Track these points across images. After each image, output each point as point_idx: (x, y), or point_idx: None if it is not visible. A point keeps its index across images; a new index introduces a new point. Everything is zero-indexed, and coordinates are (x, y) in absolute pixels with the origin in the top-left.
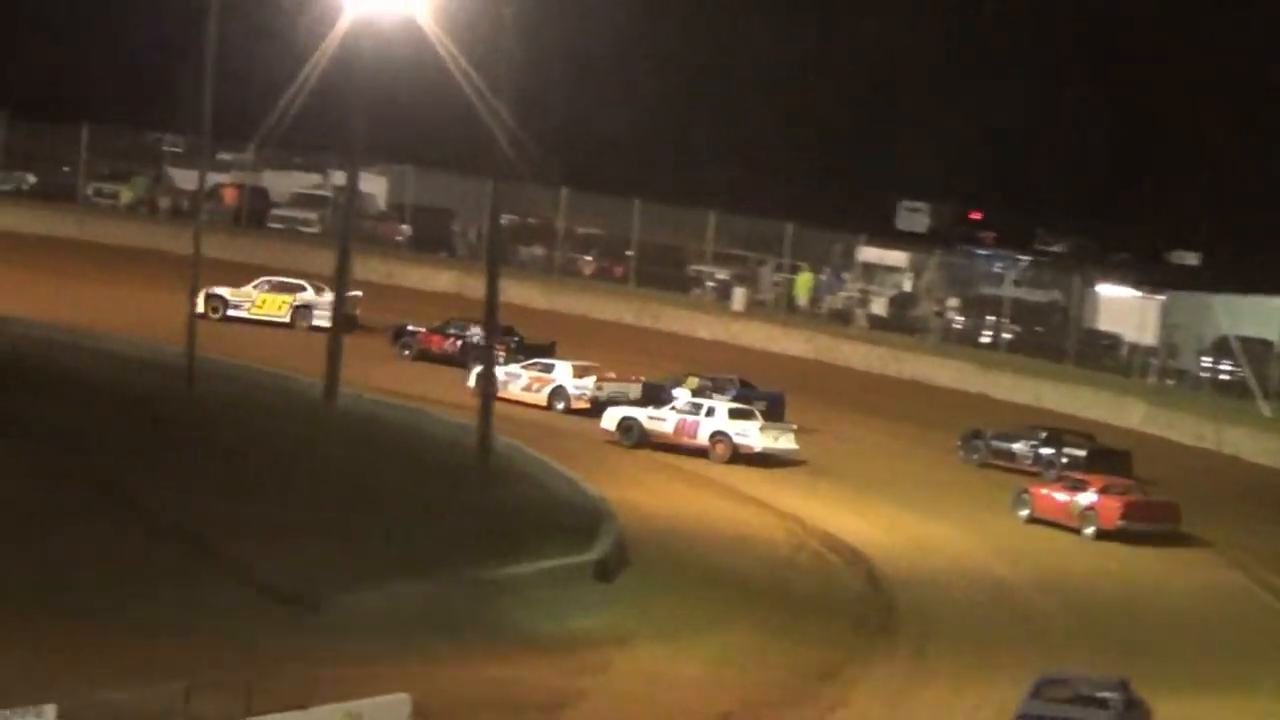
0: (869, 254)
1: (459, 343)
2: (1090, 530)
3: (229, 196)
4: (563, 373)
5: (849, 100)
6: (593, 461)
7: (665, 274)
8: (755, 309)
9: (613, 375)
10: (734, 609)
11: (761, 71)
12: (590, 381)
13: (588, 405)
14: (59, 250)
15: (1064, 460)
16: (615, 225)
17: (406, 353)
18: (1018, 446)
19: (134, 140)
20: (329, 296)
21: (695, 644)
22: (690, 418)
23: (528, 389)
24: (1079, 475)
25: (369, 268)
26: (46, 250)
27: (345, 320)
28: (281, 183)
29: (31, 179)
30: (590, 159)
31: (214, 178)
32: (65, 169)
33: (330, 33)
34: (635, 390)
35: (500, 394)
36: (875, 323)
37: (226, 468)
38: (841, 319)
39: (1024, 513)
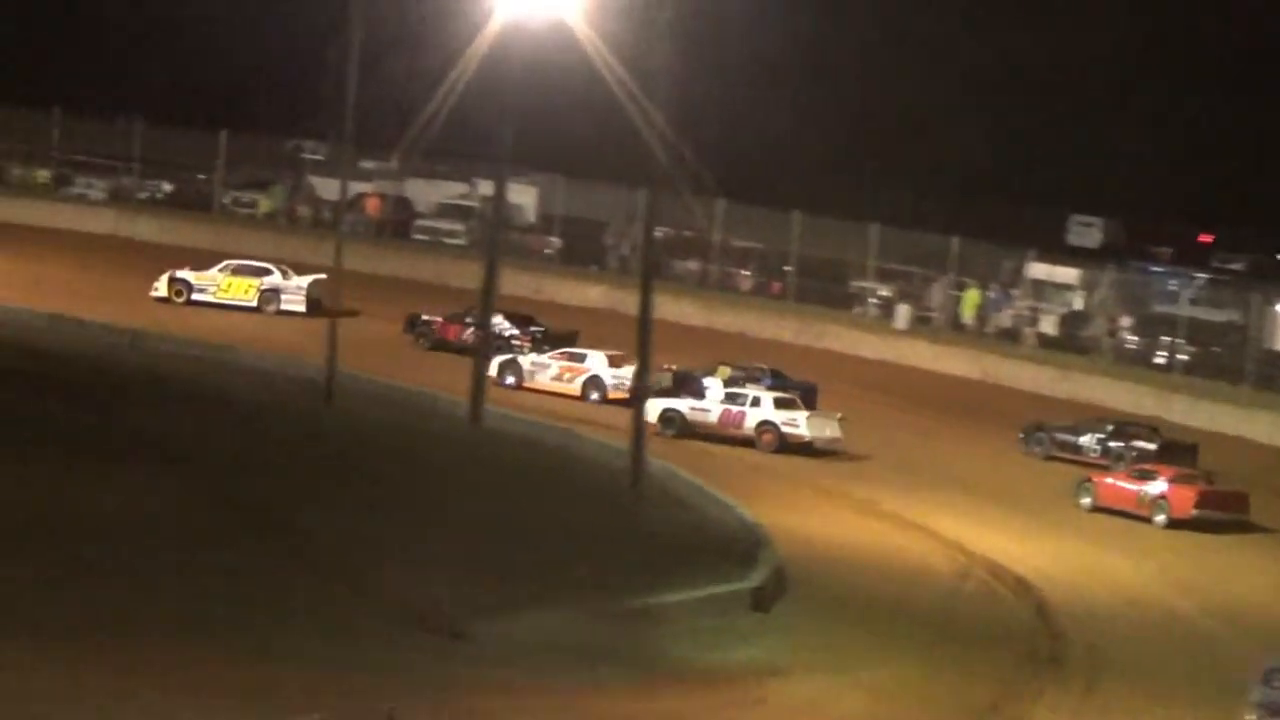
0: (1038, 270)
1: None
2: (1161, 519)
3: (371, 207)
4: (597, 362)
5: (1019, 110)
6: (748, 485)
7: (826, 290)
8: (919, 327)
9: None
10: (896, 640)
11: (928, 80)
12: (628, 371)
13: (626, 395)
14: (196, 261)
15: (1133, 452)
16: (774, 239)
17: (422, 341)
18: (1084, 439)
19: (273, 147)
20: (297, 280)
21: (856, 676)
22: (735, 408)
23: (558, 379)
24: (1147, 465)
25: (517, 282)
26: (183, 261)
27: (312, 304)
28: (426, 192)
29: (167, 187)
30: (748, 169)
31: (356, 187)
32: (201, 177)
33: (478, 36)
34: (665, 379)
35: (526, 384)
36: (1044, 342)
37: (370, 490)
38: (1009, 338)
39: (1086, 501)
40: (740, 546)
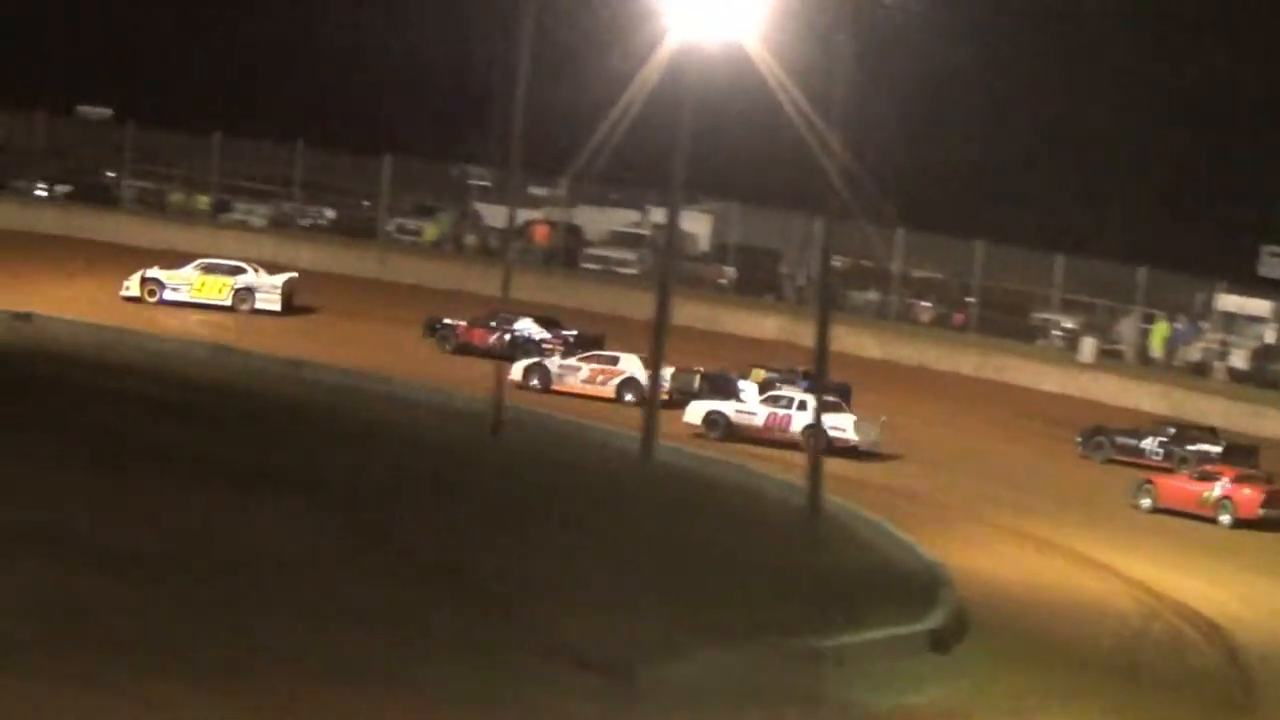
0: (1229, 302)
1: (507, 337)
2: (1226, 519)
3: (540, 234)
4: (632, 364)
5: (1209, 137)
6: (924, 523)
7: (1008, 322)
8: (1104, 360)
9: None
10: (1081, 685)
11: (1113, 106)
12: (668, 373)
13: (665, 397)
14: (357, 289)
15: (1195, 455)
16: (955, 269)
17: (447, 347)
18: (1146, 443)
19: (439, 173)
20: (272, 278)
21: None
22: (781, 411)
23: (589, 381)
24: (1209, 467)
25: (690, 312)
26: (344, 289)
27: (285, 303)
28: (597, 220)
29: (330, 214)
30: (929, 197)
31: (524, 214)
32: (366, 203)
33: (651, 59)
34: (695, 381)
35: (555, 387)
36: (1235, 376)
37: (534, 526)
38: (1198, 372)
39: (1146, 502)
40: (919, 586)
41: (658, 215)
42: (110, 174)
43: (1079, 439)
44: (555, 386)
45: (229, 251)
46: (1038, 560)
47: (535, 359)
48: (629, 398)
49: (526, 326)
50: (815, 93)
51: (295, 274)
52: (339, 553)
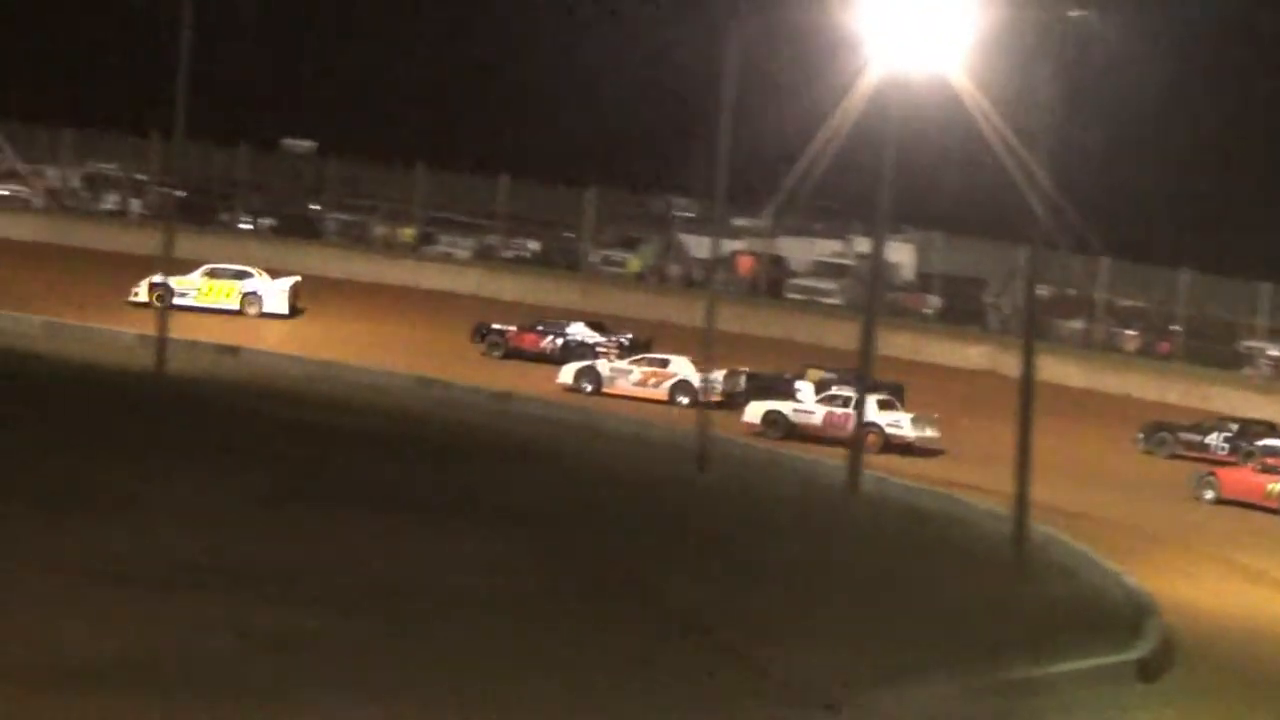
0: None
1: (559, 341)
2: None
3: (744, 265)
4: (684, 366)
5: None
6: (1128, 551)
7: (1214, 350)
8: None
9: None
10: None
11: None
12: (720, 375)
13: (719, 399)
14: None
15: (1262, 450)
16: (1160, 297)
17: (495, 352)
18: (1211, 439)
19: (643, 205)
20: (278, 282)
21: None
22: (839, 410)
23: (642, 383)
24: (1271, 459)
25: (894, 342)
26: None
27: (291, 306)
28: (800, 250)
29: (534, 246)
30: (1134, 225)
31: (728, 245)
32: (569, 235)
33: (855, 89)
34: (741, 382)
35: (606, 389)
36: None
37: (742, 558)
38: None
39: (1209, 495)
40: (1126, 615)
41: (861, 245)
42: (314, 207)
43: (1140, 435)
44: (606, 389)
45: (434, 284)
46: (1247, 589)
47: (587, 362)
48: (682, 400)
49: (579, 330)
50: (1019, 121)
51: (299, 278)
52: (544, 586)
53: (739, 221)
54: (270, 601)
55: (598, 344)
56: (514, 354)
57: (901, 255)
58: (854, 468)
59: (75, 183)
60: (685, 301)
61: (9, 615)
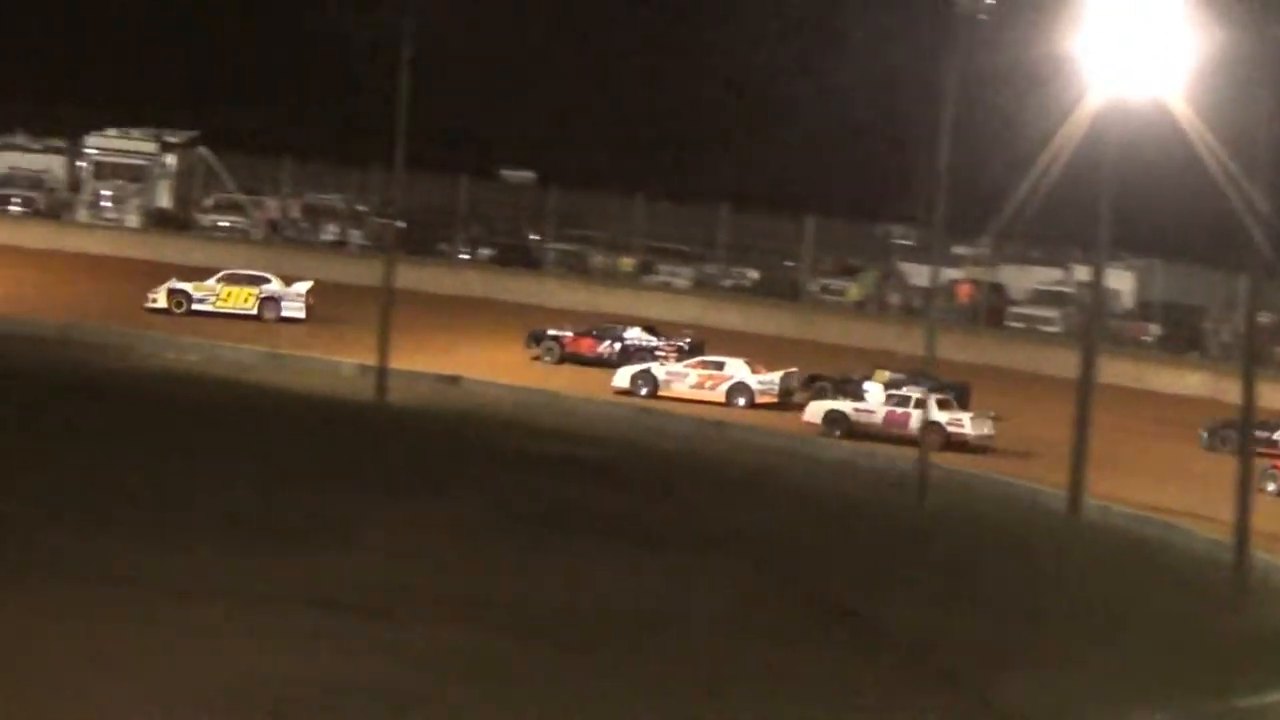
0: None
1: (617, 345)
2: None
3: (964, 293)
4: (740, 369)
5: None
6: None
7: None
8: None
9: (762, 369)
10: None
11: None
12: (776, 376)
13: (774, 400)
14: (779, 349)
15: None
16: None
17: (548, 357)
18: (1279, 435)
19: (862, 233)
20: (295, 287)
21: None
22: (899, 409)
23: (698, 386)
24: None
25: (1114, 370)
26: (766, 348)
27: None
28: (1020, 278)
29: (754, 275)
30: None
31: (947, 273)
32: (789, 264)
33: (1073, 117)
34: (794, 382)
35: (662, 393)
36: None
37: (959, 585)
38: None
39: (1272, 487)
40: None
41: (1081, 273)
42: (533, 237)
43: (1203, 432)
44: (662, 392)
45: (653, 313)
46: None
47: (643, 366)
48: (740, 401)
49: (636, 335)
50: (1239, 147)
51: (312, 282)
52: (754, 611)
53: (959, 249)
54: (475, 627)
55: (656, 348)
56: (570, 359)
57: (1121, 283)
58: (1074, 496)
59: (295, 213)
60: (904, 330)
61: (213, 641)
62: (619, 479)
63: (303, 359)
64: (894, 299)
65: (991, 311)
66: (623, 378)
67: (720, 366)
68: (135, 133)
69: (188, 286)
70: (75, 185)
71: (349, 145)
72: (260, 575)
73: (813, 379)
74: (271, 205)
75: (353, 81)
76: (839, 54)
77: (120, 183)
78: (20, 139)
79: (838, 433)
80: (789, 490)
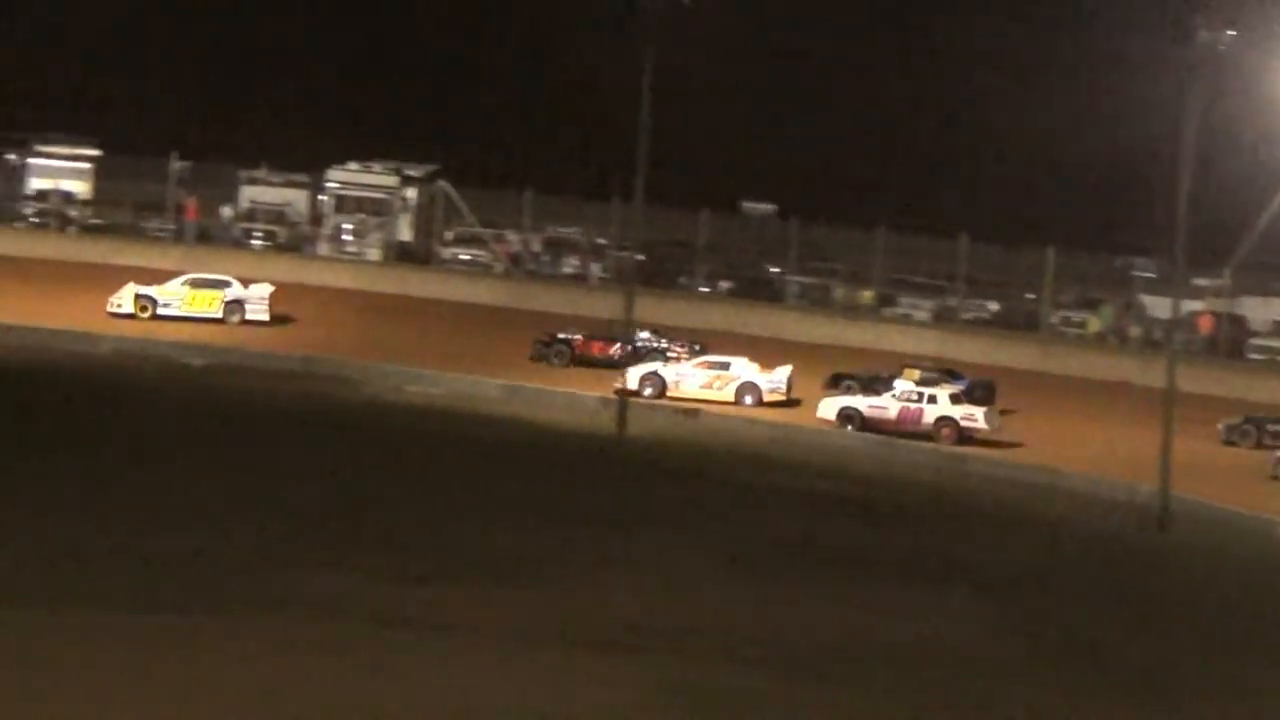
0: None
1: (630, 348)
2: None
3: (1204, 325)
4: (747, 369)
5: None
6: None
7: None
8: None
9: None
10: None
11: None
12: (784, 375)
13: (783, 398)
14: (1018, 382)
15: None
16: None
17: (556, 361)
18: None
19: (1102, 265)
20: (257, 290)
21: None
22: (913, 405)
23: (707, 386)
24: None
25: None
26: (1005, 381)
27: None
28: (1261, 310)
29: (993, 307)
30: None
31: (1188, 305)
32: (1028, 296)
33: None
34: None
35: (671, 393)
36: None
37: (1204, 621)
38: None
39: None
40: None
41: None
42: (774, 269)
43: (1221, 427)
44: (671, 393)
45: (893, 345)
46: None
47: (651, 367)
48: (748, 400)
49: (646, 337)
50: None
51: (273, 287)
52: (990, 645)
53: (1199, 281)
54: (723, 661)
55: (666, 349)
56: (581, 361)
57: None
58: None
59: (536, 247)
60: (1145, 362)
61: (467, 677)
62: (857, 511)
63: (542, 391)
64: (1134, 331)
65: (1232, 343)
66: (632, 379)
67: (726, 366)
68: (376, 166)
69: (152, 291)
70: (317, 219)
71: (589, 179)
72: (512, 610)
73: (838, 378)
74: (512, 239)
75: (594, 115)
76: (1081, 86)
77: (361, 216)
78: (263, 173)
79: (851, 428)
80: (1028, 521)
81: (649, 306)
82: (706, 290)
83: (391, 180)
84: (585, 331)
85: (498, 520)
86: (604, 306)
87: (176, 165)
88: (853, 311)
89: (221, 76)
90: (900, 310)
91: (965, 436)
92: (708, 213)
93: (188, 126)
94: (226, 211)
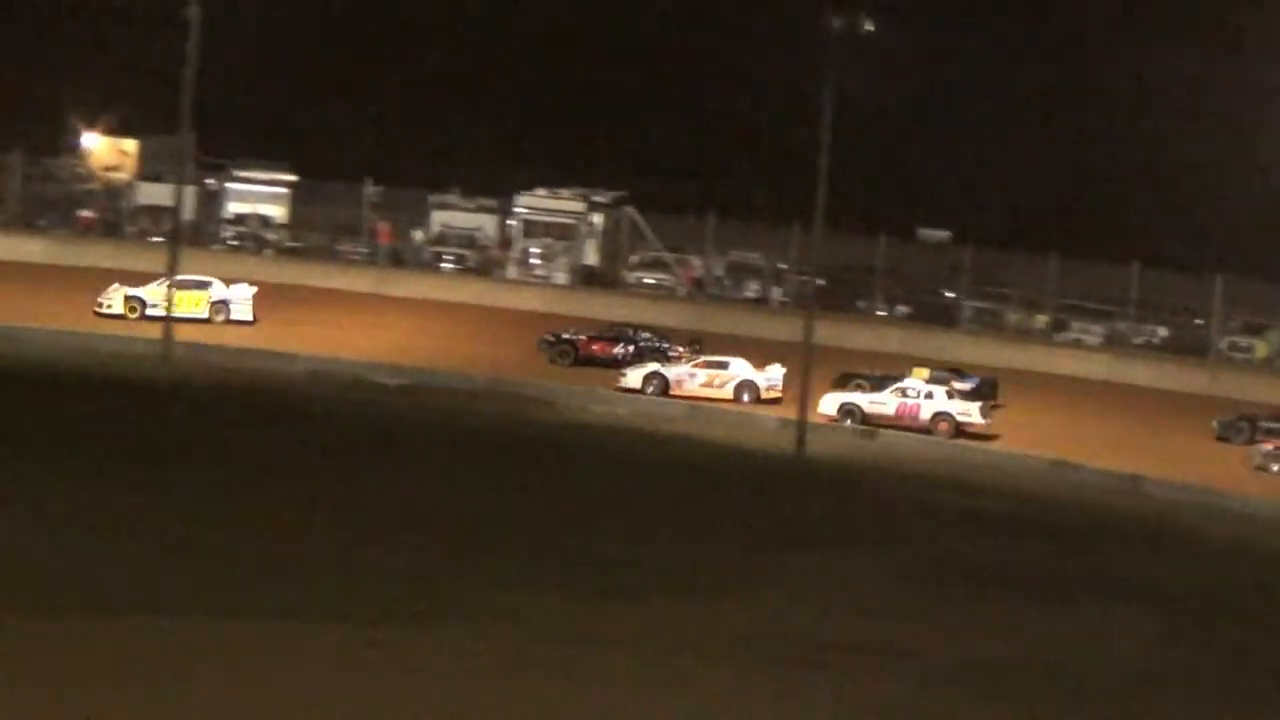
0: None
1: (631, 348)
2: None
3: None
4: (745, 367)
5: None
6: None
7: None
8: None
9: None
10: None
11: None
12: (779, 373)
13: (778, 396)
14: (1187, 406)
15: None
16: None
17: (563, 360)
18: None
19: (1272, 291)
20: (240, 290)
21: None
22: (911, 401)
23: (708, 385)
24: None
25: None
26: (1173, 405)
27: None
28: None
29: (1163, 332)
30: None
31: None
32: (1198, 321)
33: None
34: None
35: (673, 392)
36: None
37: None
38: None
39: (1276, 467)
40: None
41: None
42: (949, 294)
43: (1215, 423)
44: (673, 392)
45: (1065, 370)
46: None
47: (653, 367)
48: (745, 398)
49: (648, 336)
50: None
51: (255, 287)
52: (1188, 671)
53: None
54: (902, 679)
55: (668, 349)
56: (585, 361)
57: None
58: None
59: (718, 271)
60: None
61: (623, 695)
62: (1026, 531)
63: (722, 411)
64: None
65: None
66: (634, 378)
67: (725, 366)
68: (564, 192)
69: (141, 292)
70: (505, 243)
71: (771, 204)
72: (701, 626)
73: (847, 377)
74: (695, 263)
75: (776, 141)
76: (1246, 113)
77: (549, 241)
78: (453, 198)
79: (851, 423)
80: (1198, 541)
81: (827, 329)
82: (883, 314)
83: (578, 206)
84: (589, 332)
85: (685, 537)
86: (784, 329)
87: (370, 190)
88: (1024, 335)
89: (414, 106)
90: (1071, 334)
91: (961, 430)
92: (885, 238)
93: (381, 153)
94: (418, 235)
